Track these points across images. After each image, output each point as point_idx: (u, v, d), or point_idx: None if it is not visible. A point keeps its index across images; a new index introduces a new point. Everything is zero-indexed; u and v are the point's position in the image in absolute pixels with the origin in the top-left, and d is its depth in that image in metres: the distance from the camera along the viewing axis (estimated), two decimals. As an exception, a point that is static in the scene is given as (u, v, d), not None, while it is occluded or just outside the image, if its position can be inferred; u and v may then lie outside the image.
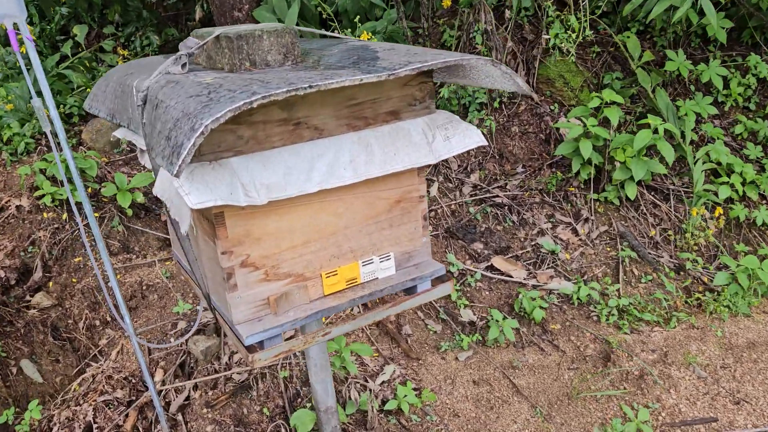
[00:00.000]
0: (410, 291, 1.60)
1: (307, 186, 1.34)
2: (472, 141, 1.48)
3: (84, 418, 2.34)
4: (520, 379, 2.67)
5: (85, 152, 3.21)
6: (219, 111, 1.01)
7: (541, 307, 2.96)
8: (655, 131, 3.22)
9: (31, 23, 4.32)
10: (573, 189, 3.62)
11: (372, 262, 1.55)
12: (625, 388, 2.56)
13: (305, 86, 1.09)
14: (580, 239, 3.42)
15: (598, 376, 2.65)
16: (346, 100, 1.39)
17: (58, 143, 3.28)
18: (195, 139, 1.00)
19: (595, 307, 3.05)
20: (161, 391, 2.40)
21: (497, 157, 3.82)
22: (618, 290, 3.08)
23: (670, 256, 3.33)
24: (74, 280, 2.98)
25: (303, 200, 1.41)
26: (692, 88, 3.85)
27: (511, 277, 3.24)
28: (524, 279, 3.23)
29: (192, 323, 2.67)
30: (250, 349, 1.40)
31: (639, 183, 3.49)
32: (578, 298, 3.06)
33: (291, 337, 1.63)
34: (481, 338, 2.90)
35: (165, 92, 1.24)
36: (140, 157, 1.72)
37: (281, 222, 1.40)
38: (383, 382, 2.72)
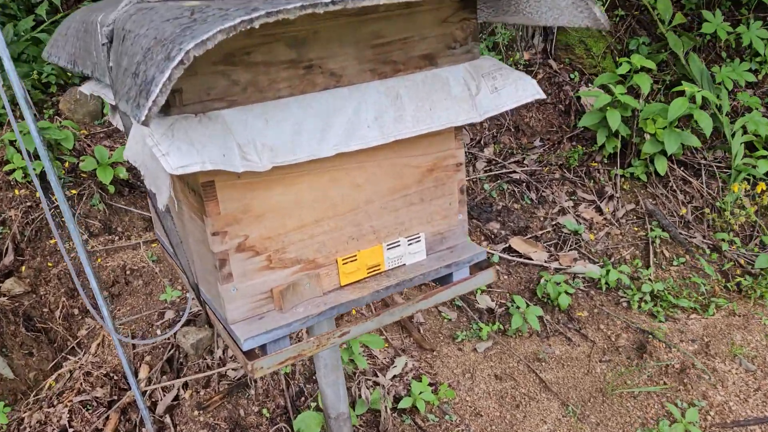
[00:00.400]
0: (445, 280, 1.31)
1: (321, 148, 1.04)
2: (527, 93, 1.19)
3: (58, 421, 2.06)
4: (548, 372, 2.40)
5: (61, 122, 2.89)
6: (206, 32, 0.71)
7: (566, 293, 2.68)
8: (691, 100, 2.93)
9: (2, -17, 3.95)
10: (596, 164, 3.33)
11: (398, 245, 1.26)
12: (665, 384, 2.30)
13: (326, 1, 0.79)
14: (605, 218, 3.15)
15: (634, 369, 2.39)
16: (371, 39, 1.09)
17: (16, 108, 2.97)
18: (171, 70, 0.70)
19: (625, 293, 2.78)
20: (146, 391, 2.11)
21: (513, 129, 3.53)
22: (651, 274, 2.80)
23: (704, 237, 3.06)
24: (50, 264, 2.68)
25: (315, 167, 1.11)
26: (723, 54, 3.55)
27: (531, 259, 2.96)
28: (545, 262, 2.95)
29: (181, 313, 2.38)
30: (250, 354, 1.11)
31: (668, 158, 3.21)
32: (606, 283, 2.78)
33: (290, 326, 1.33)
34: (501, 327, 2.63)
35: (135, 20, 0.93)
36: (111, 117, 1.41)
37: (288, 195, 1.11)
38: (395, 376, 2.45)
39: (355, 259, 1.22)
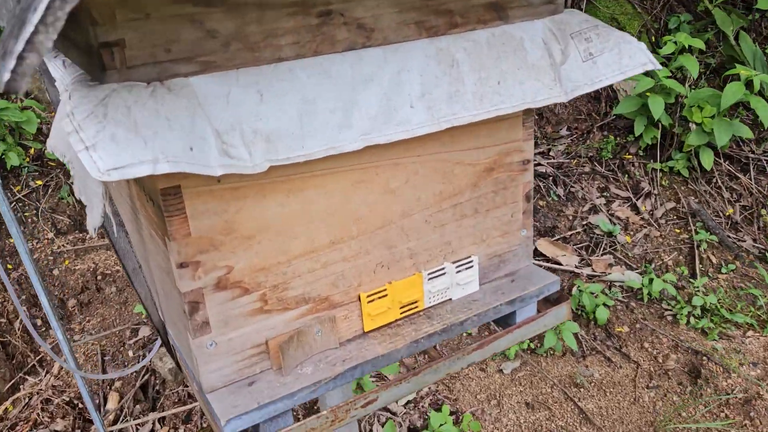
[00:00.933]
0: (505, 321, 0.96)
1: (343, 138, 0.69)
2: (635, 63, 0.83)
3: (7, 462, 1.71)
4: (588, 401, 2.06)
5: (22, 101, 2.52)
6: None
7: (605, 305, 2.34)
8: (747, 85, 2.57)
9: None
10: (630, 156, 2.98)
11: (443, 273, 0.91)
12: (728, 417, 1.96)
13: None
14: (643, 218, 2.80)
15: (689, 398, 2.05)
16: (419, -26, 0.73)
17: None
18: (64, -23, 0.33)
19: (670, 305, 2.44)
20: (113, 430, 1.76)
21: (536, 117, 3.16)
22: (701, 285, 2.46)
23: (754, 240, 2.72)
24: (9, 266, 2.31)
25: (331, 165, 0.76)
26: (770, 36, 3.19)
27: (560, 264, 2.62)
28: (576, 267, 2.61)
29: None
30: (235, 440, 0.76)
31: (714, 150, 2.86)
32: (649, 294, 2.44)
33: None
34: (530, 344, 2.28)
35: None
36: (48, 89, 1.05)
37: (291, 206, 0.75)
38: (408, 402, 2.11)
39: (386, 295, 0.87)
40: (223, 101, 0.62)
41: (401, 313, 0.89)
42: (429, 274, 0.90)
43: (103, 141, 0.52)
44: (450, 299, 0.93)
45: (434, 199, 0.86)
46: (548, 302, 0.99)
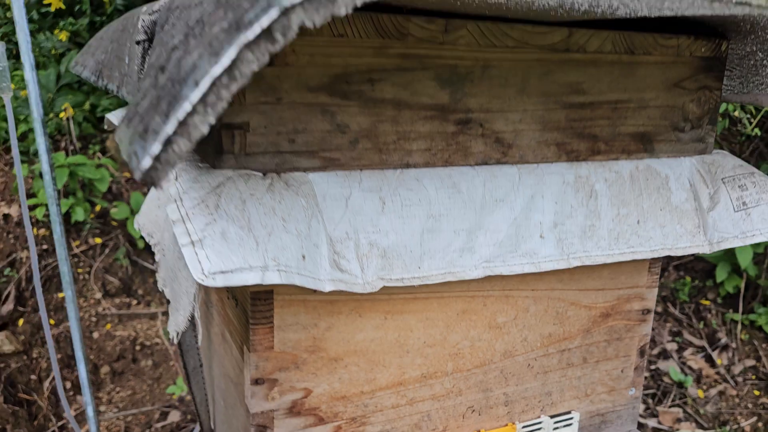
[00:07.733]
0: (604, 496, 0.81)
1: (463, 262, 0.59)
2: (797, 220, 0.72)
3: None
4: None
5: (99, 158, 2.56)
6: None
7: (672, 467, 2.10)
8: None
9: None
10: (707, 302, 2.79)
11: (540, 428, 0.78)
12: None
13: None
14: (718, 373, 2.57)
15: None
16: (567, 93, 0.66)
17: (62, 139, 2.66)
18: (241, 49, 0.26)
19: (745, 478, 2.17)
20: None
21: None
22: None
23: (844, 418, 2.44)
24: (51, 321, 2.26)
25: (437, 290, 0.66)
26: None
27: (622, 409, 2.39)
28: (641, 416, 2.38)
29: (190, 417, 1.89)
30: None
31: (800, 309, 2.65)
32: (722, 460, 2.19)
33: None
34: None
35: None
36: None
37: (386, 330, 0.65)
38: None
39: (472, 446, 0.74)
40: (342, 205, 0.54)
41: (487, 470, 0.76)
42: (524, 426, 0.77)
43: (212, 237, 0.44)
44: (543, 460, 0.79)
45: (542, 341, 0.75)
46: (655, 480, 0.83)
